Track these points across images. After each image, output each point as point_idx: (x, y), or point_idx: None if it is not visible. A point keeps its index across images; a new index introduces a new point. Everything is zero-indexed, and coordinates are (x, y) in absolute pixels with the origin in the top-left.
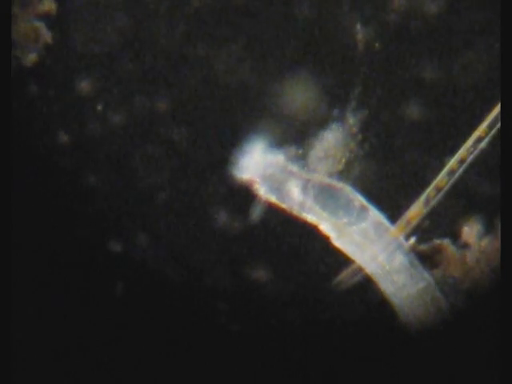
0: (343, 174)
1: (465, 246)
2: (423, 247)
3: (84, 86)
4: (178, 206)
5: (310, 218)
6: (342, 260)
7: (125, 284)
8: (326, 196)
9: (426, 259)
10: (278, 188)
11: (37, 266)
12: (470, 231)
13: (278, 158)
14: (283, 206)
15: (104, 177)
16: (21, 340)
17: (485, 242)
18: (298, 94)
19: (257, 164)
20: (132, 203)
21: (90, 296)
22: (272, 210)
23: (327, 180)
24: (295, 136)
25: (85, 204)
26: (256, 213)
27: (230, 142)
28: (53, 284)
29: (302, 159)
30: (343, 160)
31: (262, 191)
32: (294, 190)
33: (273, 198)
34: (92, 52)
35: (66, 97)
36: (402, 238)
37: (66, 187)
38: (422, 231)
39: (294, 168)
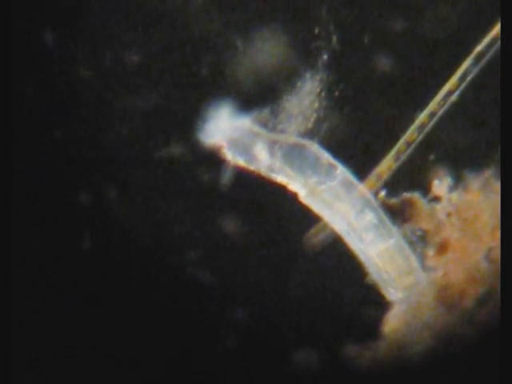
0: (313, 132)
1: (435, 199)
2: (393, 201)
3: (52, 38)
4: (147, 158)
5: (280, 178)
6: (311, 216)
7: (92, 235)
8: (293, 156)
9: (396, 213)
10: (246, 151)
11: (6, 215)
12: (440, 185)
13: (243, 122)
14: (252, 168)
15: (74, 130)
16: None
17: (455, 195)
18: (266, 48)
19: (223, 128)
20: (101, 155)
21: (58, 247)
22: (241, 172)
23: (294, 140)
24: (263, 94)
25: (55, 156)
26: (225, 177)
27: (200, 98)
28: (20, 235)
29: (270, 120)
30: (312, 118)
31: (230, 155)
32: (262, 152)
33: (241, 162)
34: (59, 4)
35: (35, 50)
36: (371, 194)
37: (34, 139)
38: (392, 185)
39: (261, 130)
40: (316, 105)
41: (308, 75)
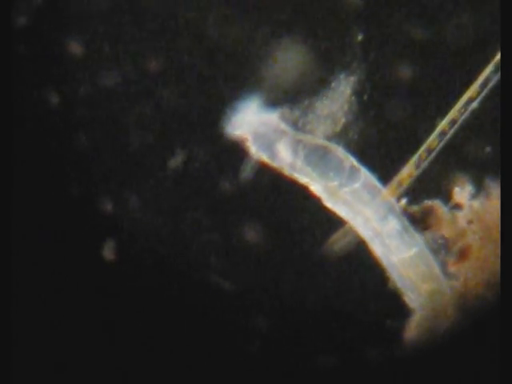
0: (340, 137)
1: (456, 206)
2: (414, 208)
3: (75, 47)
4: (169, 167)
5: (301, 178)
6: (334, 221)
7: (114, 245)
8: (316, 157)
9: (417, 220)
10: (269, 147)
11: (27, 225)
12: (462, 192)
13: (271, 117)
14: (274, 165)
15: (95, 137)
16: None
17: (476, 203)
18: (293, 56)
19: (250, 121)
20: (124, 164)
21: (79, 257)
22: (263, 170)
23: (319, 141)
24: (292, 96)
25: (76, 164)
26: (246, 170)
27: (222, 103)
28: (42, 244)
29: (299, 119)
30: (341, 122)
31: (254, 149)
32: (285, 150)
33: (264, 157)
34: (83, 13)
35: (58, 58)
36: (393, 200)
37: (57, 147)
38: (413, 192)
39: (287, 128)
40: (346, 109)
41: (341, 78)
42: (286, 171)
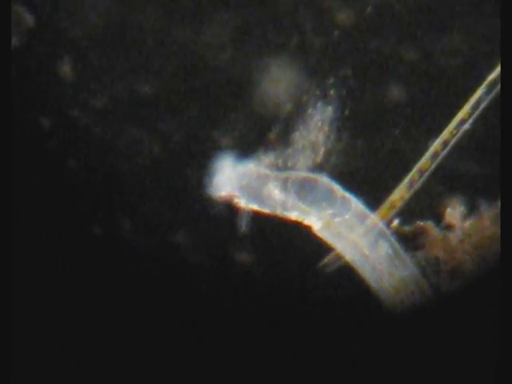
0: (322, 166)
1: (448, 227)
2: (406, 229)
3: (66, 70)
4: (161, 188)
5: (294, 215)
6: (324, 247)
7: (109, 266)
8: (306, 190)
9: (409, 241)
10: (258, 195)
11: (20, 250)
12: (454, 213)
13: (249, 166)
14: (266, 211)
15: (86, 161)
16: None
17: (468, 224)
18: (275, 80)
19: (230, 178)
20: (115, 186)
21: (73, 280)
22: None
23: (304, 174)
24: (268, 130)
25: (67, 187)
26: (243, 224)
27: (211, 130)
28: (34, 265)
29: (277, 158)
30: (321, 150)
31: (243, 202)
32: (274, 192)
33: (255, 207)
34: (74, 36)
35: (48, 81)
36: (385, 224)
37: (47, 171)
38: (406, 213)
39: (268, 171)
40: (324, 137)
41: (318, 106)
42: (279, 213)
